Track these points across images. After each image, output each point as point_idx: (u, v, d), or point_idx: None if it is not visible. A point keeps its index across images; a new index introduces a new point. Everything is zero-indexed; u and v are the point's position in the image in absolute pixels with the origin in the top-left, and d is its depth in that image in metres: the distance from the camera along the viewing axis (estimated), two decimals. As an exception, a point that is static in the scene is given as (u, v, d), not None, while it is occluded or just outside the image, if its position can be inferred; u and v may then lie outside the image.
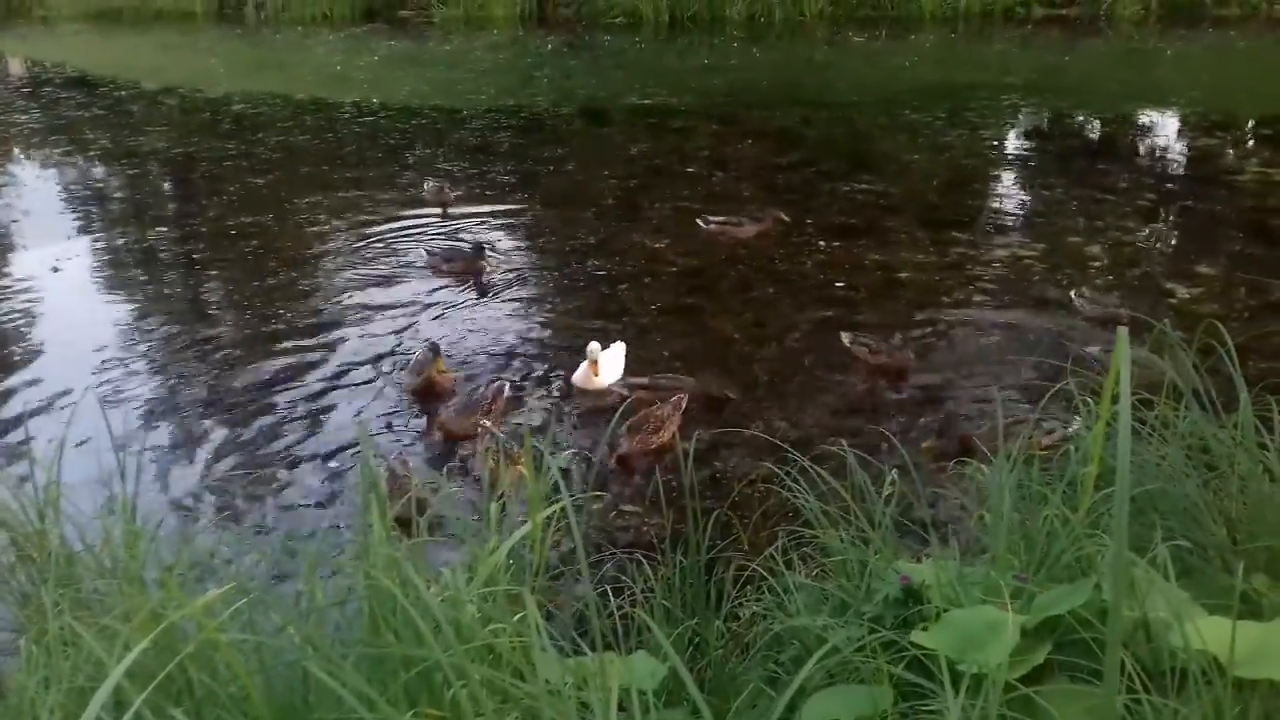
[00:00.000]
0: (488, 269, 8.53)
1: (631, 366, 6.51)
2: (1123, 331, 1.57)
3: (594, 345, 6.15)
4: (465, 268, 8.52)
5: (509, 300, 8.00)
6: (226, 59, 23.72)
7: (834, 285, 8.04)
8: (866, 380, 6.34)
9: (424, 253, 8.87)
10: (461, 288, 8.27)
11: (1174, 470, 2.81)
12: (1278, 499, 2.68)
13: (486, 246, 8.81)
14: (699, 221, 9.31)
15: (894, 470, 3.09)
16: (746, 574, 3.27)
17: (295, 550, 3.07)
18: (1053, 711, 1.91)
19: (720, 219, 9.30)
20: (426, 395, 6.16)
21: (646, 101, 16.60)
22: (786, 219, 9.24)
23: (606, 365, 6.25)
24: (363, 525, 2.10)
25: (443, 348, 6.52)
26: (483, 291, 8.19)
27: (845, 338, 6.53)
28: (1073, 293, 7.71)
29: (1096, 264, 8.32)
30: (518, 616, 2.04)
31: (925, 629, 2.27)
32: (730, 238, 9.12)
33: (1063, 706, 1.94)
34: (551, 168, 12.49)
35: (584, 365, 6.21)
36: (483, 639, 1.93)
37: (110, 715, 1.86)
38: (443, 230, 9.93)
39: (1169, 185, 11.25)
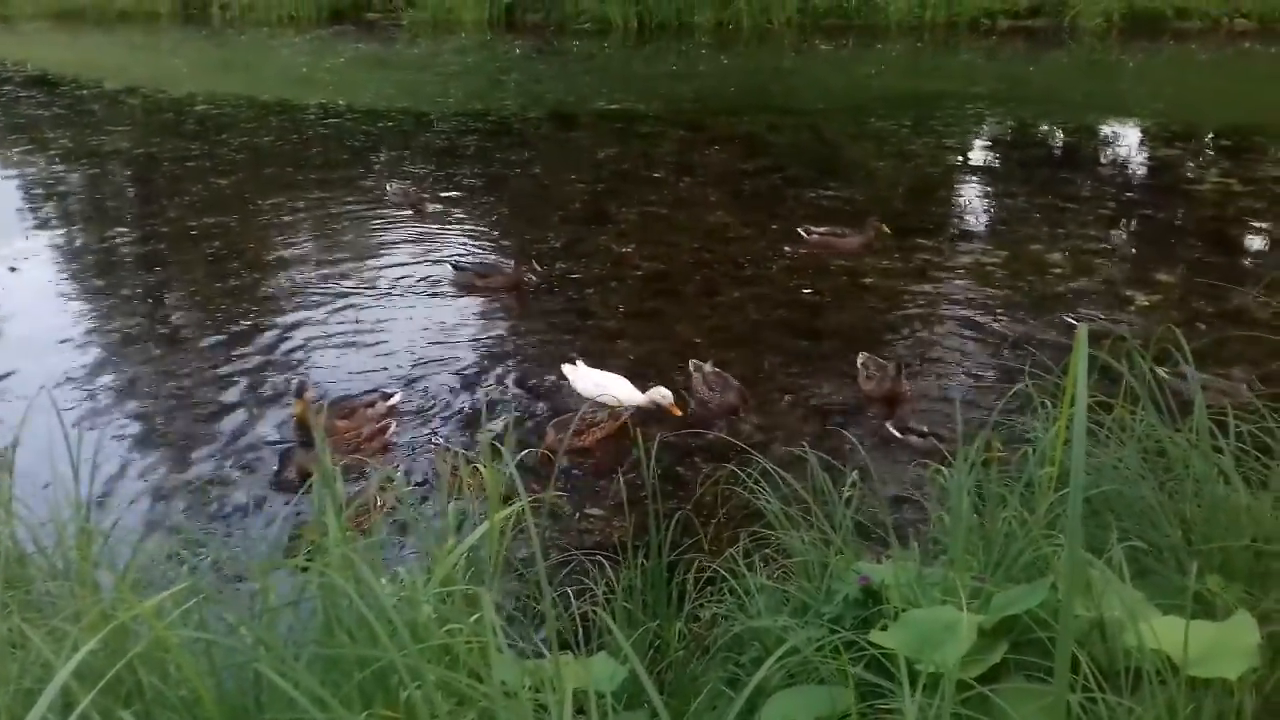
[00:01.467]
0: (530, 283, 8.09)
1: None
2: (1081, 330, 1.57)
3: (664, 391, 5.73)
4: (505, 284, 8.06)
5: (472, 303, 7.95)
6: (191, 59, 23.50)
7: (799, 290, 8.06)
8: (841, 390, 6.28)
9: (451, 268, 8.40)
10: (490, 301, 8.02)
11: (1130, 473, 2.83)
12: (1232, 501, 2.70)
13: (531, 258, 8.33)
14: (801, 232, 9.06)
15: (854, 472, 3.10)
16: (707, 576, 3.26)
17: (249, 551, 3.02)
18: (1008, 709, 1.91)
19: (823, 230, 9.03)
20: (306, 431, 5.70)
21: (614, 107, 16.62)
22: (888, 230, 8.96)
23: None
24: (318, 524, 2.08)
25: (402, 356, 6.43)
26: (521, 306, 7.90)
27: (860, 358, 6.29)
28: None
29: (1057, 270, 8.40)
30: (474, 617, 2.02)
31: (884, 629, 2.27)
32: (833, 250, 8.88)
33: (1018, 705, 1.95)
34: (518, 171, 12.46)
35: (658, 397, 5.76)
36: (438, 639, 1.91)
37: (58, 717, 1.82)
38: (418, 232, 9.89)
39: (1130, 194, 11.38)
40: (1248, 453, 2.93)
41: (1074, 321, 7.06)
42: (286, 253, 9.39)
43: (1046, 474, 2.75)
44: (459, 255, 8.87)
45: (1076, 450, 1.31)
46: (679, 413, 5.68)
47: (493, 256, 8.91)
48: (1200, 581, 2.39)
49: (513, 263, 8.27)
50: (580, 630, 3.05)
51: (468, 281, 8.18)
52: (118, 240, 9.94)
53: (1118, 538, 2.42)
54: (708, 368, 6.17)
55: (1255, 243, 9.40)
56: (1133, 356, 3.41)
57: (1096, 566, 2.29)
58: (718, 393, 5.97)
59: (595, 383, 5.95)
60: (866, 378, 6.18)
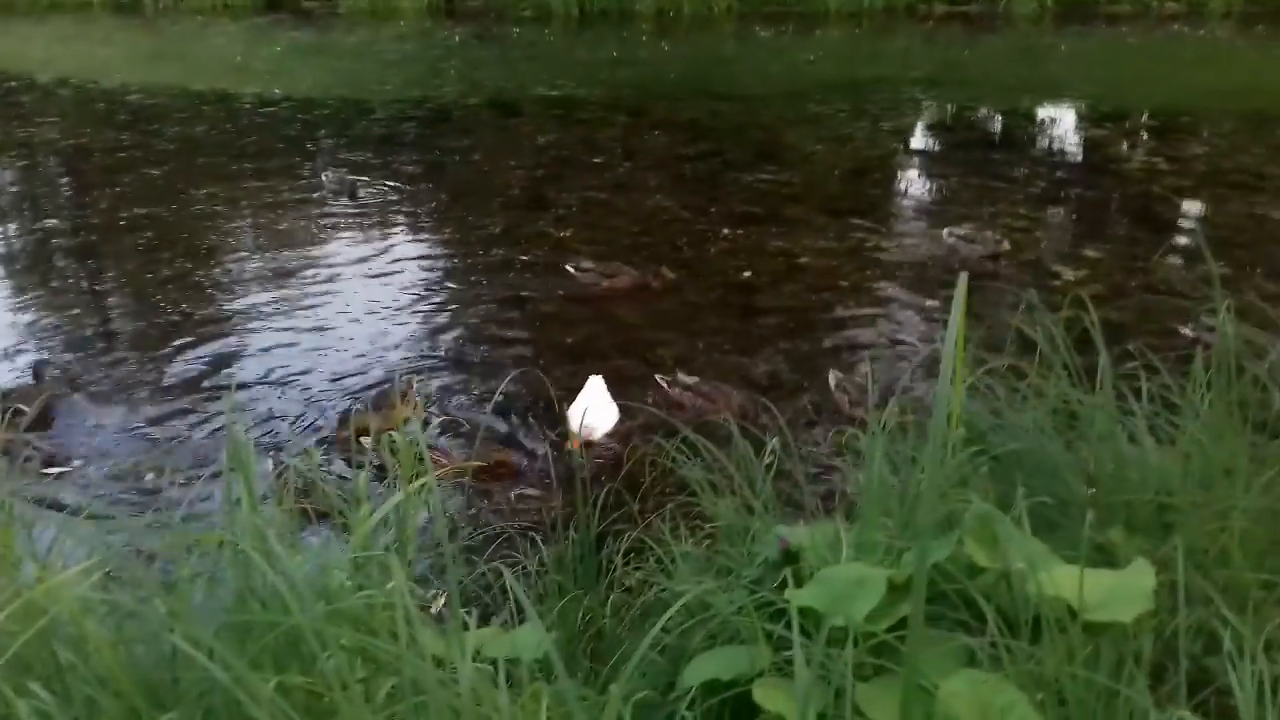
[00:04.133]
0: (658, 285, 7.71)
1: (536, 353, 6.54)
2: (963, 277, 1.62)
3: (583, 424, 5.15)
4: (631, 284, 7.67)
5: (411, 289, 7.92)
6: (123, 49, 23.07)
7: (737, 271, 8.13)
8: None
9: (571, 270, 7.85)
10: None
11: (1040, 433, 2.91)
12: (1140, 458, 2.79)
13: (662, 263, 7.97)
14: (945, 234, 8.56)
15: (774, 440, 3.15)
16: (634, 546, 3.31)
17: (164, 528, 3.01)
18: (913, 656, 1.97)
19: (962, 232, 8.49)
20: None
21: (555, 93, 16.58)
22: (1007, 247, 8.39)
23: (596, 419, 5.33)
24: (228, 494, 2.08)
25: (338, 342, 6.42)
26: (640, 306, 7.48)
27: (831, 380, 5.81)
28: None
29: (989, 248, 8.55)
30: (389, 585, 2.03)
31: (800, 587, 2.32)
32: (962, 256, 8.23)
33: (923, 651, 2.01)
34: (458, 158, 12.40)
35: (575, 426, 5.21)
36: (351, 605, 1.92)
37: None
38: (355, 219, 9.81)
39: (1061, 174, 11.60)
40: (1159, 414, 3.03)
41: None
42: (221, 241, 9.28)
43: (956, 434, 2.82)
44: (577, 260, 8.10)
45: (944, 385, 1.36)
46: (575, 446, 5.20)
47: (616, 261, 8.14)
48: (1103, 533, 2.48)
49: (632, 268, 7.88)
50: (513, 603, 3.08)
51: (592, 281, 7.76)
52: (47, 232, 9.75)
53: (1025, 494, 2.49)
54: (684, 378, 5.80)
55: (1179, 218, 9.61)
56: (1046, 324, 3.50)
57: (1002, 521, 2.35)
58: (705, 402, 5.59)
59: (577, 407, 5.33)
60: (852, 404, 5.52)
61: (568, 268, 7.91)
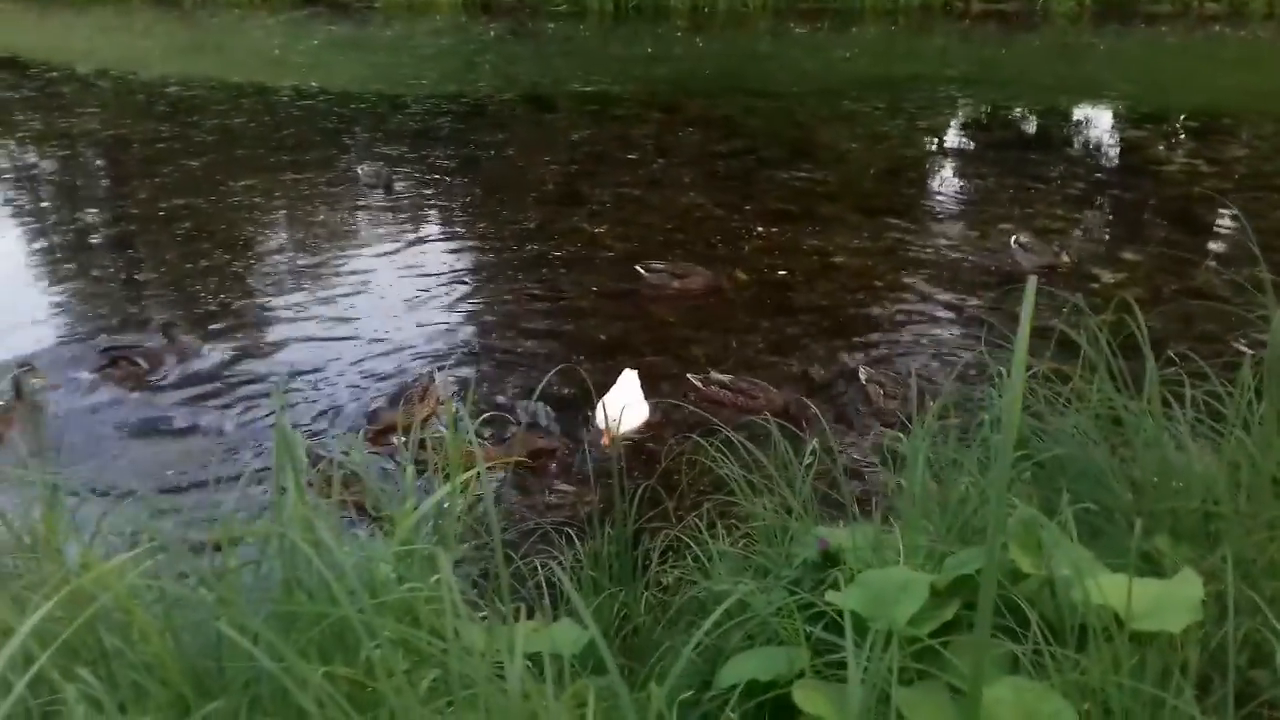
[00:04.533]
0: (731, 287, 7.60)
1: (570, 349, 6.56)
2: (1031, 281, 1.61)
3: (613, 420, 5.11)
4: (704, 286, 7.52)
5: (445, 283, 7.96)
6: (162, 41, 23.28)
7: (772, 269, 8.10)
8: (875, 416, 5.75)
9: (641, 271, 7.66)
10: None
11: (1084, 438, 2.88)
12: (1185, 465, 2.76)
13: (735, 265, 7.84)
14: (1011, 241, 8.18)
15: (815, 440, 3.14)
16: (671, 544, 3.31)
17: (213, 516, 3.04)
18: (955, 661, 1.97)
19: (1026, 240, 8.07)
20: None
21: (589, 89, 16.58)
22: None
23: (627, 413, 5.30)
24: (277, 486, 2.10)
25: (374, 334, 6.47)
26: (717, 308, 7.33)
27: (862, 374, 5.92)
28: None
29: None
30: (434, 578, 2.04)
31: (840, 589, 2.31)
32: (1018, 265, 7.93)
33: (967, 657, 1.99)
34: (493, 153, 12.44)
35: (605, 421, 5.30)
36: (396, 597, 1.93)
37: (19, 678, 1.83)
38: (391, 213, 9.87)
39: (1099, 175, 11.49)
40: (1202, 421, 2.99)
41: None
42: (258, 233, 9.36)
43: (1004, 439, 2.79)
44: (647, 261, 7.87)
45: (1013, 390, 1.35)
46: (606, 443, 5.22)
47: (687, 260, 8.03)
48: (1148, 541, 2.45)
49: (706, 268, 7.73)
50: (548, 598, 3.09)
51: (662, 283, 7.58)
52: (88, 221, 9.87)
53: (1069, 500, 2.46)
54: (715, 375, 5.86)
55: (1219, 221, 9.50)
56: (1091, 326, 3.46)
57: (1048, 526, 2.33)
58: (745, 399, 5.64)
59: (610, 400, 5.42)
60: (886, 396, 5.65)
61: (637, 267, 7.74)
